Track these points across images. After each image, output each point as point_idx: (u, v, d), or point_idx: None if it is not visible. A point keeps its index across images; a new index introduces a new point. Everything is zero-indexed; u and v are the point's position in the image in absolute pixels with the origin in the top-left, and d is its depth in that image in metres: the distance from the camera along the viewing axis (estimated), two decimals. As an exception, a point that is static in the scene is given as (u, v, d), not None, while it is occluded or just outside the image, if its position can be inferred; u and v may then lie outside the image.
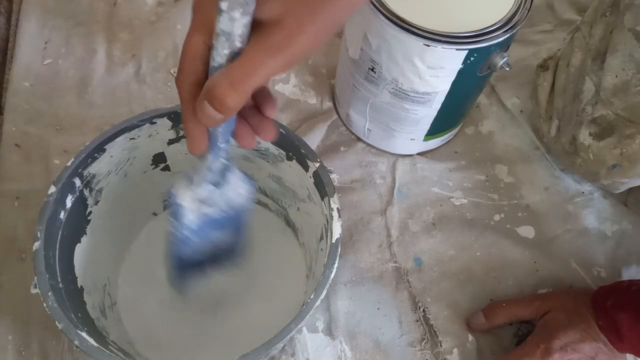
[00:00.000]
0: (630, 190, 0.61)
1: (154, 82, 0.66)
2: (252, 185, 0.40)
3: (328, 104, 0.66)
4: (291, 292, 0.54)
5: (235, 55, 0.29)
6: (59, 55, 0.67)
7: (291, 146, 0.47)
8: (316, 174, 0.46)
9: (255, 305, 0.53)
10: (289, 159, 0.48)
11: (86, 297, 0.46)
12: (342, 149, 0.63)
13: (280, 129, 0.46)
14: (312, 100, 0.66)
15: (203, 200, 0.39)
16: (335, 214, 0.43)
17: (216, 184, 0.38)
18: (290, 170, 0.49)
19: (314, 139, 0.62)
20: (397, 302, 0.54)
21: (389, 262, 0.56)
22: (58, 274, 0.42)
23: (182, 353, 0.51)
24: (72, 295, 0.43)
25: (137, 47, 0.68)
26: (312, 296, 0.40)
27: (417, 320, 0.53)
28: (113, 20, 0.70)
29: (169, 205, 0.40)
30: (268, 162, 0.51)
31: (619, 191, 0.57)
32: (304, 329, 0.52)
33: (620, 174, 0.52)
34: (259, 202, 0.58)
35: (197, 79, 0.30)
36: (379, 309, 0.54)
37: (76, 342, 0.37)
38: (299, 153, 0.47)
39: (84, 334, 0.38)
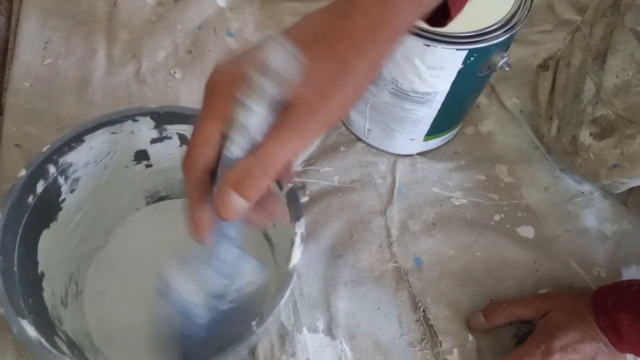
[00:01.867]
0: (630, 190, 0.61)
1: (154, 82, 0.66)
2: (266, 274, 0.37)
3: (328, 104, 0.66)
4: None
5: (254, 146, 0.28)
6: (59, 55, 0.67)
7: None
8: (289, 194, 0.45)
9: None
10: None
11: (45, 284, 0.45)
12: (342, 149, 0.63)
13: None
14: (312, 100, 0.66)
15: (213, 294, 0.36)
16: (297, 239, 0.41)
17: (229, 277, 0.35)
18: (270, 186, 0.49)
19: (314, 139, 0.62)
20: (397, 302, 0.54)
21: (389, 262, 0.56)
22: (15, 257, 0.41)
23: (137, 352, 0.50)
24: (27, 280, 0.43)
25: (137, 47, 0.68)
26: (253, 323, 0.38)
27: (417, 320, 0.53)
28: (113, 20, 0.70)
29: (164, 293, 0.36)
30: None
31: (619, 191, 0.57)
32: (304, 329, 0.52)
33: (621, 174, 0.52)
34: None
35: (206, 165, 0.30)
36: (379, 309, 0.54)
37: (14, 330, 0.37)
38: None
39: (23, 323, 0.37)
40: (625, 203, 0.62)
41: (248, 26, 0.71)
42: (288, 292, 0.40)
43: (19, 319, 0.37)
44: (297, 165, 0.61)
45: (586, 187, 0.62)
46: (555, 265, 0.57)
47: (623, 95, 0.49)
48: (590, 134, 0.53)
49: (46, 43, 0.67)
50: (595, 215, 0.60)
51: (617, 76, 0.50)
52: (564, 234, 0.59)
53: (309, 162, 0.61)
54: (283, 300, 0.39)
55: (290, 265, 0.40)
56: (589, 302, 0.50)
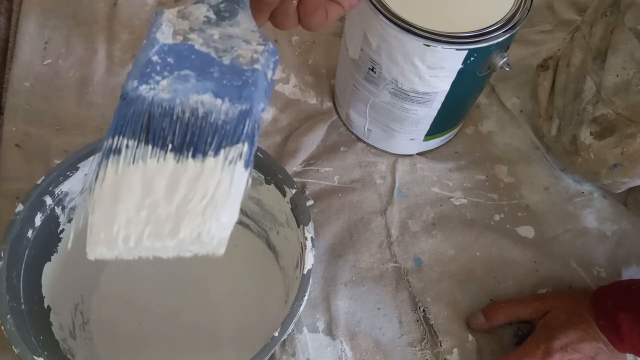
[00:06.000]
0: (630, 190, 0.61)
1: (154, 82, 0.66)
2: (273, 54, 0.31)
3: (328, 104, 0.66)
4: (268, 316, 0.53)
5: None
6: (59, 55, 0.67)
7: (269, 170, 0.47)
8: (293, 200, 0.45)
9: (232, 330, 0.53)
10: (268, 182, 0.48)
11: (53, 318, 0.45)
12: (342, 149, 0.63)
13: (258, 153, 0.46)
14: (312, 100, 0.66)
15: (193, 27, 0.31)
16: (308, 243, 0.42)
17: (218, 14, 0.31)
18: (269, 193, 0.49)
19: (314, 139, 0.62)
20: (397, 302, 0.54)
21: (389, 262, 0.56)
22: (21, 294, 0.41)
23: None
24: (36, 316, 0.42)
25: (138, 47, 0.68)
26: (278, 331, 0.39)
27: (417, 320, 0.53)
28: (113, 20, 0.70)
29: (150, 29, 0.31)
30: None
31: (620, 191, 0.57)
32: (305, 329, 0.52)
33: (622, 174, 0.52)
34: (240, 223, 0.57)
35: None
36: (379, 309, 0.54)
37: None
38: (277, 178, 0.46)
39: None
40: (625, 203, 0.62)
41: (248, 26, 0.71)
42: (306, 297, 0.40)
43: (35, 357, 0.37)
44: (297, 166, 0.61)
45: (586, 187, 0.62)
46: (555, 265, 0.57)
47: (623, 95, 0.49)
48: (591, 134, 0.53)
49: (46, 43, 0.67)
50: (595, 215, 0.60)
51: (617, 75, 0.50)
52: (564, 234, 0.59)
53: (309, 162, 0.61)
54: (302, 308, 0.39)
55: (305, 270, 0.41)
56: (589, 302, 0.50)
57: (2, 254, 0.40)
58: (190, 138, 0.29)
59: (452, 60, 0.47)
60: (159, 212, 0.28)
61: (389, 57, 0.49)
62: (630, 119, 0.50)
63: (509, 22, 0.47)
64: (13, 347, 0.37)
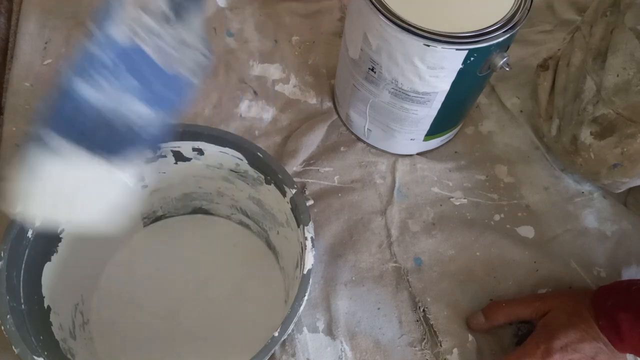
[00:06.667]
0: (630, 190, 0.61)
1: (154, 82, 0.66)
2: (208, 51, 0.33)
3: (328, 104, 0.66)
4: (268, 316, 0.53)
5: None
6: (59, 55, 0.67)
7: (269, 170, 0.47)
8: (293, 200, 0.45)
9: (232, 330, 0.53)
10: (268, 182, 0.48)
11: (53, 318, 0.45)
12: (342, 149, 0.63)
13: (258, 153, 0.46)
14: (312, 100, 0.66)
15: (144, 26, 0.32)
16: (308, 243, 0.42)
17: (175, 11, 0.32)
18: (269, 193, 0.49)
19: (314, 139, 0.62)
20: (397, 302, 0.54)
21: (389, 262, 0.56)
22: (21, 294, 0.41)
23: None
24: (36, 316, 0.42)
25: (137, 47, 0.68)
26: (278, 331, 0.39)
27: (417, 320, 0.53)
28: (113, 20, 0.70)
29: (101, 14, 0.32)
30: (247, 184, 0.50)
31: (620, 191, 0.57)
32: (305, 329, 0.52)
33: (622, 174, 0.52)
34: (240, 223, 0.57)
35: None
36: (379, 309, 0.54)
37: None
38: (277, 178, 0.46)
39: None
40: (625, 203, 0.62)
41: (248, 26, 0.71)
42: (306, 297, 0.40)
43: (35, 357, 0.37)
44: (297, 166, 0.61)
45: (586, 187, 0.62)
46: (555, 265, 0.57)
47: (623, 95, 0.49)
48: (591, 133, 0.53)
49: (46, 43, 0.67)
50: (595, 215, 0.60)
51: (617, 75, 0.50)
52: (564, 234, 0.59)
53: (309, 162, 0.61)
54: (302, 308, 0.39)
55: (305, 270, 0.41)
56: (589, 302, 0.50)
57: (2, 254, 0.40)
58: (107, 140, 0.32)
59: (452, 60, 0.47)
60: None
61: (389, 57, 0.49)
62: (630, 119, 0.50)
63: (509, 22, 0.47)
64: (13, 347, 0.37)
